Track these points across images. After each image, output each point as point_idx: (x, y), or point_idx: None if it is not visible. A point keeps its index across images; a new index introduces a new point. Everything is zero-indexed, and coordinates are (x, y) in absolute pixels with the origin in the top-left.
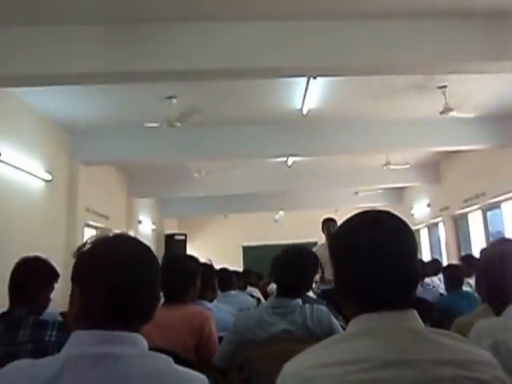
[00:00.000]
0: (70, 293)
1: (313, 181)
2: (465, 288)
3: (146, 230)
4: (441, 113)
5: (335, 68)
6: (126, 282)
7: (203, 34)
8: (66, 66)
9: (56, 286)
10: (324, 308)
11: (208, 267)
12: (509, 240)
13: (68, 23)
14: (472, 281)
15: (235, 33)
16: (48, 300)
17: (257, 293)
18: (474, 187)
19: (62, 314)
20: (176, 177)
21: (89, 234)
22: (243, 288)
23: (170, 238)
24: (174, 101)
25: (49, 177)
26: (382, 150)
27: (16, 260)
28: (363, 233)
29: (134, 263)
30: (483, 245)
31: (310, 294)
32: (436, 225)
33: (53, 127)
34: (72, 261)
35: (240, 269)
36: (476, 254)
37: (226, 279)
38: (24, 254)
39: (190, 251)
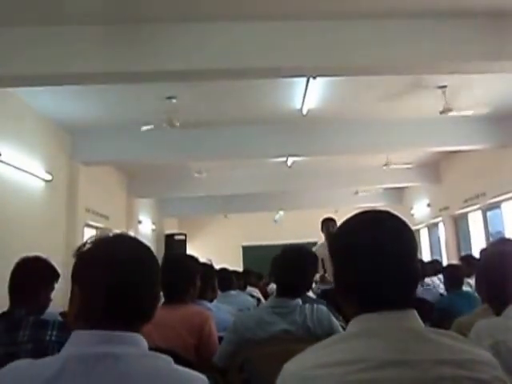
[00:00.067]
0: (70, 293)
1: (313, 181)
2: (465, 288)
3: (146, 230)
4: (441, 113)
5: (335, 68)
6: (126, 281)
7: (203, 34)
8: (66, 66)
9: (56, 285)
10: (324, 308)
11: (208, 267)
12: (509, 240)
13: (68, 23)
14: (472, 281)
15: (235, 33)
16: (49, 300)
17: (257, 293)
18: (474, 187)
19: (61, 313)
20: (176, 177)
21: (89, 233)
22: (243, 288)
23: (169, 238)
24: (174, 101)
25: (49, 177)
26: (382, 150)
27: (16, 260)
28: (363, 233)
29: (134, 263)
30: (483, 245)
31: (310, 293)
32: (436, 225)
33: (53, 127)
34: (72, 261)
35: (240, 269)
36: (476, 254)
37: (225, 279)
38: (24, 254)
39: (189, 251)
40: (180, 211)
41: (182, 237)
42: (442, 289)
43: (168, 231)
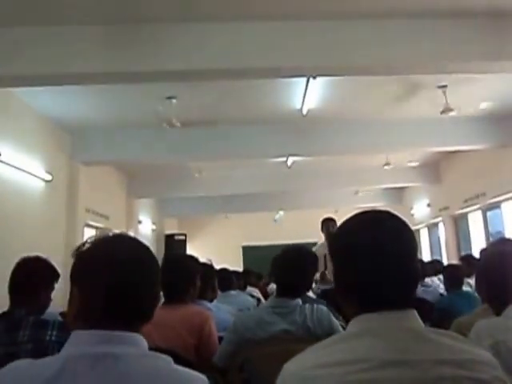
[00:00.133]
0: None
1: (313, 181)
2: (465, 288)
3: (146, 230)
4: (441, 113)
5: (335, 68)
6: (126, 281)
7: (203, 34)
8: (66, 66)
9: (56, 285)
10: (324, 308)
11: (208, 267)
12: (509, 240)
13: (68, 23)
14: (472, 281)
15: (235, 33)
16: (49, 300)
17: (257, 293)
18: (474, 187)
19: (62, 313)
20: (176, 177)
21: (89, 234)
22: (243, 288)
23: (169, 238)
24: (174, 101)
25: (49, 177)
26: (382, 150)
27: (16, 260)
28: (363, 233)
29: (134, 263)
30: (483, 245)
31: (310, 293)
32: (436, 225)
33: (53, 127)
34: (72, 261)
35: (240, 269)
36: (476, 254)
37: (226, 279)
38: (24, 254)
39: (189, 251)
40: (180, 211)
41: (182, 237)
42: (441, 289)
43: (168, 231)
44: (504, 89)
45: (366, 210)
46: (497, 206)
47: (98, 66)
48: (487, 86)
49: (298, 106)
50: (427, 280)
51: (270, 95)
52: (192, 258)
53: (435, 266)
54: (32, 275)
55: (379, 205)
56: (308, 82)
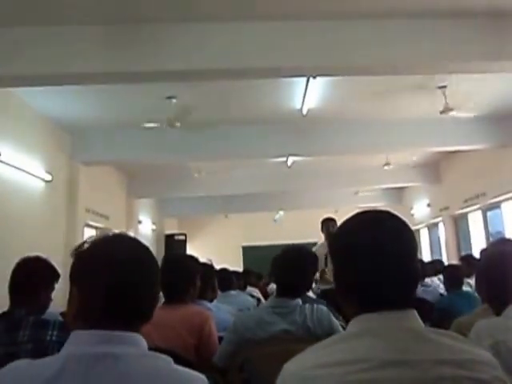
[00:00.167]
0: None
1: (313, 181)
2: (465, 288)
3: (146, 230)
4: (441, 113)
5: (335, 68)
6: (126, 281)
7: (203, 34)
8: (66, 66)
9: (56, 285)
10: (324, 308)
11: (208, 267)
12: (509, 240)
13: (68, 23)
14: (472, 281)
15: (235, 33)
16: (49, 300)
17: (257, 293)
18: (474, 187)
19: (62, 313)
20: (176, 177)
21: (89, 234)
22: (243, 288)
23: (169, 238)
24: (174, 101)
25: (49, 177)
26: (382, 150)
27: (16, 260)
28: (363, 233)
29: (134, 263)
30: (483, 245)
31: (310, 293)
32: (436, 225)
33: (53, 127)
34: (71, 260)
35: (240, 269)
36: (476, 254)
37: (225, 279)
38: (24, 254)
39: (189, 251)
40: (180, 211)
41: (182, 237)
42: (441, 289)
43: (168, 231)
44: (504, 89)
45: (366, 209)
46: (497, 206)
47: (98, 66)
48: (487, 86)
49: (298, 106)
50: (427, 280)
51: (270, 95)
52: (192, 258)
53: (435, 266)
54: (32, 275)
55: (379, 205)
56: (308, 81)
